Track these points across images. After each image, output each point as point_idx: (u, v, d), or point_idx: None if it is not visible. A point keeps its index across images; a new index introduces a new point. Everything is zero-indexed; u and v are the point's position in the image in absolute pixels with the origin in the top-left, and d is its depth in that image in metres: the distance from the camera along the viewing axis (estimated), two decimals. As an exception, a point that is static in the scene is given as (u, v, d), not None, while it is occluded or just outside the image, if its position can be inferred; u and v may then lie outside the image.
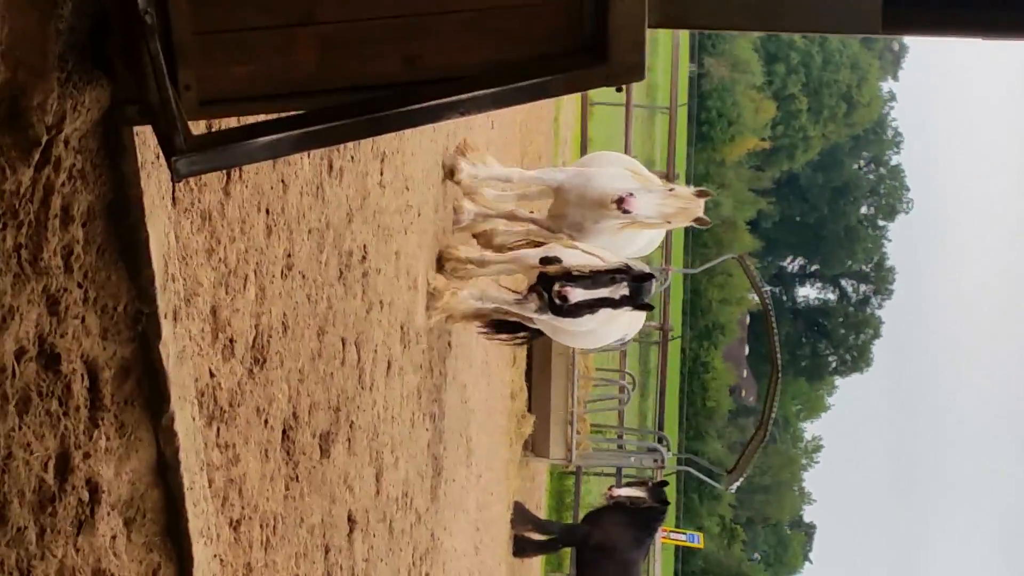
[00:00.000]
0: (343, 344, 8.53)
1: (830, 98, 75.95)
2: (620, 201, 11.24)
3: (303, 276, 7.42)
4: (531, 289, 11.88)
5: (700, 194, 11.61)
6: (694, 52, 54.67)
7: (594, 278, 11.08)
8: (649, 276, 11.70)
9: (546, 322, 12.62)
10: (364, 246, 9.07)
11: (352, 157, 8.62)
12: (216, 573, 5.52)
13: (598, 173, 12.24)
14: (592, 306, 11.37)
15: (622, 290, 11.22)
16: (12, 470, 3.98)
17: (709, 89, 64.34)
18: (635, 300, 11.43)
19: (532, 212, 13.80)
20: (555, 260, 11.53)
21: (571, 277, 11.10)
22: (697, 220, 11.76)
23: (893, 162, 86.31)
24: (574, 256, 11.58)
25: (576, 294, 10.98)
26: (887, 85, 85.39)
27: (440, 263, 12.40)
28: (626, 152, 31.79)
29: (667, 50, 35.14)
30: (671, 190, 11.69)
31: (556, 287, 11.09)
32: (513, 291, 12.72)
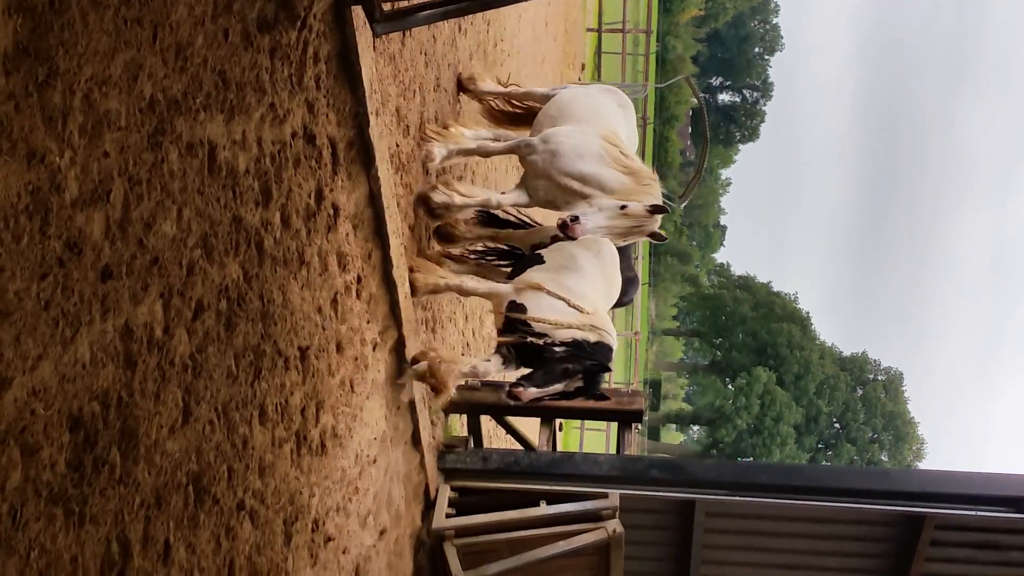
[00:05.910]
0: (467, 128, 8.46)
1: (738, -16, 73.47)
2: (564, 227, 5.55)
3: (445, 90, 7.31)
4: (497, 350, 6.08)
5: (654, 210, 5.84)
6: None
7: (547, 370, 5.78)
8: (604, 368, 5.95)
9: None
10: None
11: (472, 23, 8.38)
12: (401, 254, 5.64)
13: (565, 149, 6.04)
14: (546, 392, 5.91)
15: (576, 383, 5.88)
16: (292, 198, 4.05)
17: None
18: (589, 391, 5.95)
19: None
20: (521, 308, 5.95)
21: (524, 376, 5.81)
22: (652, 235, 6.03)
23: (774, 22, 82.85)
24: (541, 304, 5.95)
25: (529, 393, 5.72)
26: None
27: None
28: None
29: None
30: (623, 208, 5.77)
31: (507, 387, 5.74)
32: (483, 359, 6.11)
